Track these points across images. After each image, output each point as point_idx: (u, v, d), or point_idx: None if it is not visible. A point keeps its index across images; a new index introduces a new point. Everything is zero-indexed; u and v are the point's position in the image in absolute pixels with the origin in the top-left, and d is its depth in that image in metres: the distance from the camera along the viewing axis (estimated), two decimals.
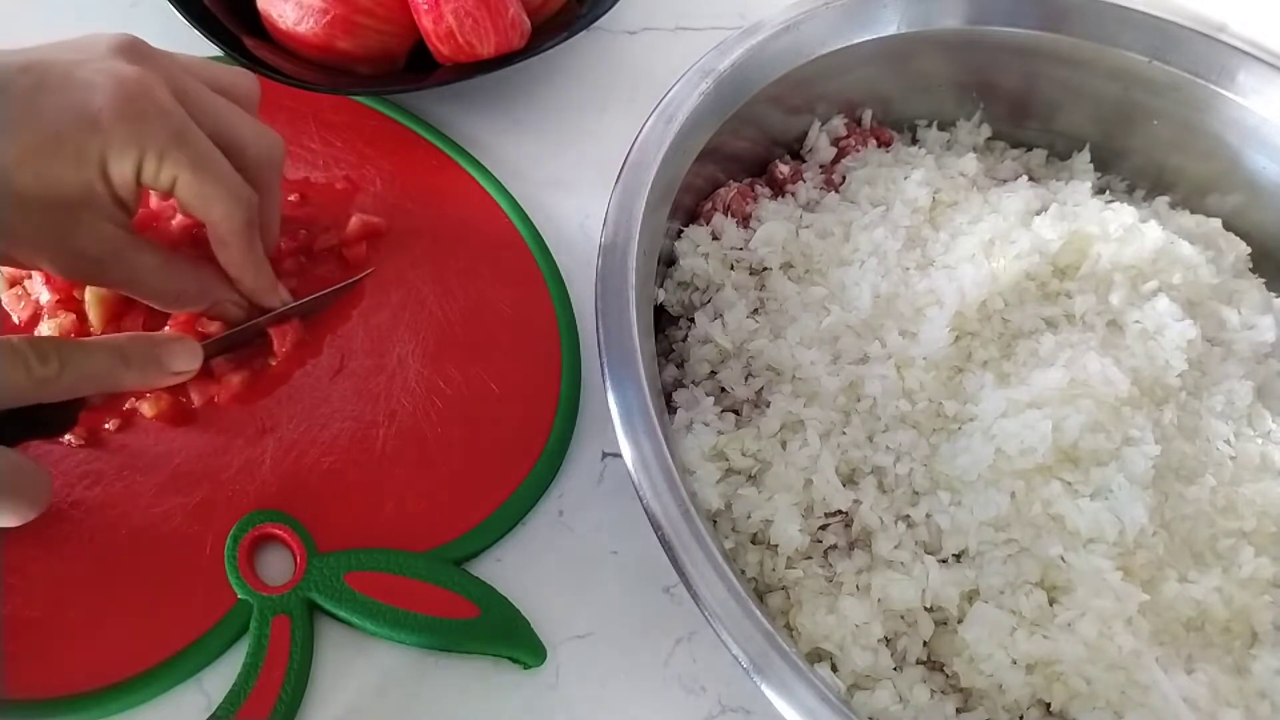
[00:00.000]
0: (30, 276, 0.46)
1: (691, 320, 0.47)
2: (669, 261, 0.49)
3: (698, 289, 0.48)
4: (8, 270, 0.46)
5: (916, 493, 0.42)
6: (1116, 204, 0.50)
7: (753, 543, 0.41)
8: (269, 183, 0.44)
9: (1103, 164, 0.57)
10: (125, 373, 0.40)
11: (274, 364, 0.47)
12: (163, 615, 0.40)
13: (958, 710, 0.38)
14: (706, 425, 0.42)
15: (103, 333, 0.45)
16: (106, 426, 0.44)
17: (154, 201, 0.48)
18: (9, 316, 0.46)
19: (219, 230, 0.42)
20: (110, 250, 0.40)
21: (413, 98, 0.59)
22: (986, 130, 0.57)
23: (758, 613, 0.33)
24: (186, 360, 0.42)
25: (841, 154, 0.55)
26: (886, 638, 0.39)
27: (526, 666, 0.41)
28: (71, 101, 0.37)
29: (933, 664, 0.40)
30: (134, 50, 0.39)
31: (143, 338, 0.43)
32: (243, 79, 0.45)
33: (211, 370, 0.46)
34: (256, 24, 0.56)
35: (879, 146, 0.55)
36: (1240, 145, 0.53)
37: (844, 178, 0.53)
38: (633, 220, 0.42)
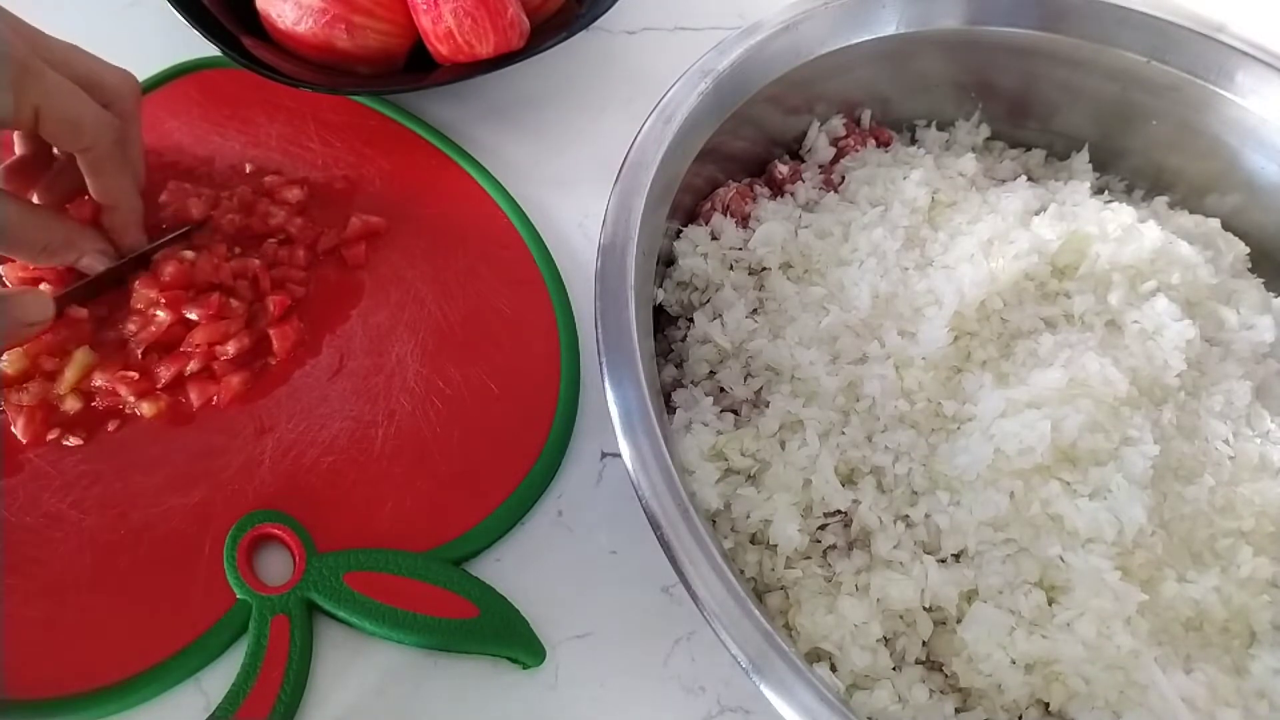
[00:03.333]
0: None
1: (690, 320, 0.47)
2: (668, 261, 0.49)
3: (697, 289, 0.48)
4: None
5: (915, 493, 0.42)
6: (1115, 204, 0.50)
7: (752, 542, 0.41)
8: (130, 113, 0.45)
9: (1101, 164, 0.57)
10: None
11: (273, 364, 0.47)
12: (162, 615, 0.40)
13: (956, 710, 0.38)
14: (705, 425, 0.42)
15: None
16: (107, 427, 0.44)
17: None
18: None
19: (93, 153, 0.42)
20: None
21: (412, 98, 0.59)
22: (985, 130, 0.57)
23: (757, 613, 0.33)
24: (38, 311, 0.42)
25: (840, 154, 0.55)
26: (885, 637, 0.39)
27: (526, 666, 0.41)
28: None
29: (932, 664, 0.40)
30: None
31: None
32: (114, 74, 0.45)
33: (212, 371, 0.46)
34: (255, 23, 0.56)
35: (878, 146, 0.55)
36: (1239, 145, 0.53)
37: (843, 178, 0.53)
38: (632, 220, 0.42)
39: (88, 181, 0.44)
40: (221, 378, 0.46)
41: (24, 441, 0.43)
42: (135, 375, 0.45)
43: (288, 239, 0.51)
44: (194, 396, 0.45)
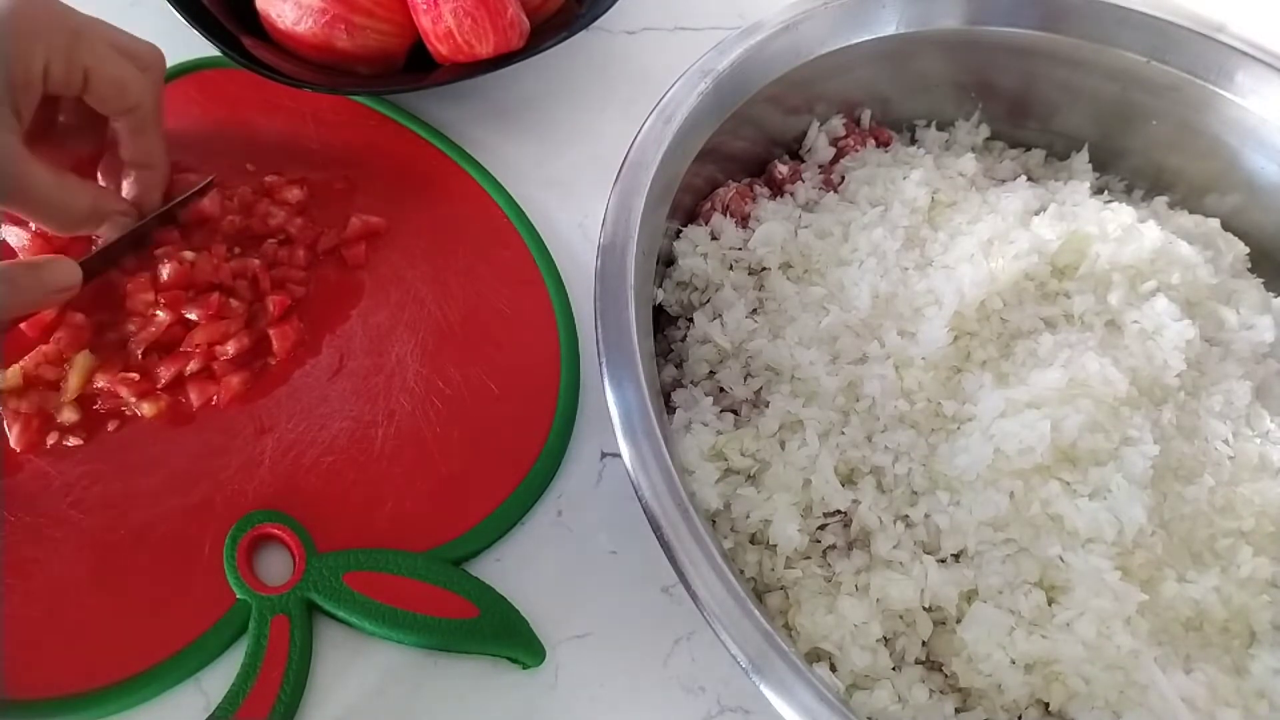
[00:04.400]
0: None
1: (690, 320, 0.47)
2: (668, 261, 0.49)
3: (696, 289, 0.48)
4: None
5: (915, 492, 0.42)
6: (1115, 204, 0.50)
7: (751, 543, 0.41)
8: (159, 81, 0.46)
9: (1101, 164, 0.57)
10: (6, 295, 0.40)
11: (273, 364, 0.47)
12: (162, 615, 0.40)
13: (956, 710, 0.38)
14: (705, 425, 0.42)
15: None
16: (107, 427, 0.44)
17: None
18: None
19: (138, 112, 0.44)
20: (4, 160, 0.40)
21: (412, 98, 0.59)
22: (985, 130, 0.57)
23: (756, 613, 0.33)
24: (66, 276, 0.42)
25: (840, 154, 0.55)
26: (885, 637, 0.39)
27: (526, 666, 0.41)
28: None
29: (931, 664, 0.40)
30: None
31: (19, 261, 0.44)
32: (144, 45, 0.46)
33: (212, 371, 0.46)
34: (255, 24, 0.56)
35: (878, 146, 0.55)
36: (1239, 145, 0.53)
37: (843, 178, 0.53)
38: (631, 220, 0.42)
39: (126, 143, 0.45)
40: (221, 378, 0.46)
41: (18, 450, 0.43)
42: (135, 376, 0.45)
43: (288, 239, 0.51)
44: (194, 397, 0.45)
